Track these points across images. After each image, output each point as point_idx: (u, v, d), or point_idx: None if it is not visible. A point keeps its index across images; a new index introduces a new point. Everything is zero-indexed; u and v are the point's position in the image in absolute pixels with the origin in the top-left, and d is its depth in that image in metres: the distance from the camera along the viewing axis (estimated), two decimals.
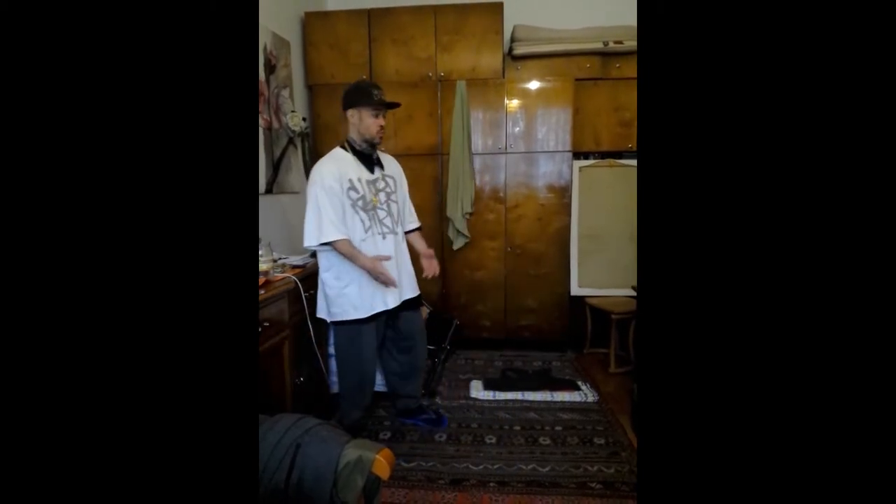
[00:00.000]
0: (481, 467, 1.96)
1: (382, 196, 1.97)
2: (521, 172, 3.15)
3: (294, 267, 2.10)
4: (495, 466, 1.96)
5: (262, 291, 1.71)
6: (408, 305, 2.09)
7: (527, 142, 3.13)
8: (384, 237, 1.96)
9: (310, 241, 1.86)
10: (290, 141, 2.90)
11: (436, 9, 3.05)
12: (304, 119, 2.97)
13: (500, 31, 3.05)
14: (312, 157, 3.15)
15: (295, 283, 1.93)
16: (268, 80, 2.65)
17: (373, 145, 1.96)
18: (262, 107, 2.59)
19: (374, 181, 1.97)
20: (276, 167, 2.73)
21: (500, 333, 3.26)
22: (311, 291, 2.13)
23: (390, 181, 2.01)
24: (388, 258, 1.95)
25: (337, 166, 1.90)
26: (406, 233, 2.13)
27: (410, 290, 2.10)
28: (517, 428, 2.27)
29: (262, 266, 1.88)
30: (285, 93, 2.86)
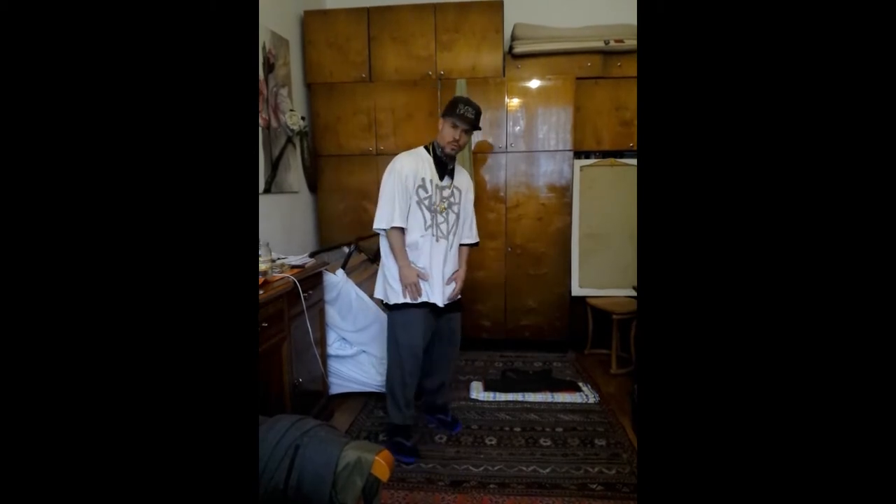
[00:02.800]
0: (481, 469, 1.94)
1: (446, 204, 2.03)
2: (522, 172, 3.14)
3: (293, 267, 2.08)
4: (495, 468, 1.95)
5: (260, 292, 1.70)
6: (449, 308, 2.13)
7: (527, 141, 3.11)
8: (438, 240, 2.02)
9: (379, 223, 1.96)
10: (289, 140, 2.88)
11: (436, 7, 3.04)
12: (303, 118, 2.96)
13: (501, 30, 3.04)
14: (311, 156, 3.14)
15: (294, 284, 1.92)
16: (266, 79, 2.64)
17: (448, 155, 2.00)
18: (260, 105, 2.58)
19: (443, 188, 2.02)
20: (274, 166, 2.71)
21: (500, 334, 3.25)
22: (310, 291, 2.12)
23: (456, 192, 2.07)
24: (425, 276, 2.01)
25: (415, 162, 1.99)
26: (462, 245, 2.17)
27: (444, 299, 2.10)
28: (517, 429, 2.26)
29: (261, 266, 1.86)
30: (284, 91, 2.84)
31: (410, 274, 1.97)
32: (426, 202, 1.98)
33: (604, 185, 3.26)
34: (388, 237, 1.98)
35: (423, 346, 2.07)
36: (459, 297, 2.19)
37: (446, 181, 2.04)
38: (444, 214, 2.03)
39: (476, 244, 2.25)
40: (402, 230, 1.96)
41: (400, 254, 1.97)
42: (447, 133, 1.96)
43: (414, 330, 2.03)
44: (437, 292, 2.04)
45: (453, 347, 2.24)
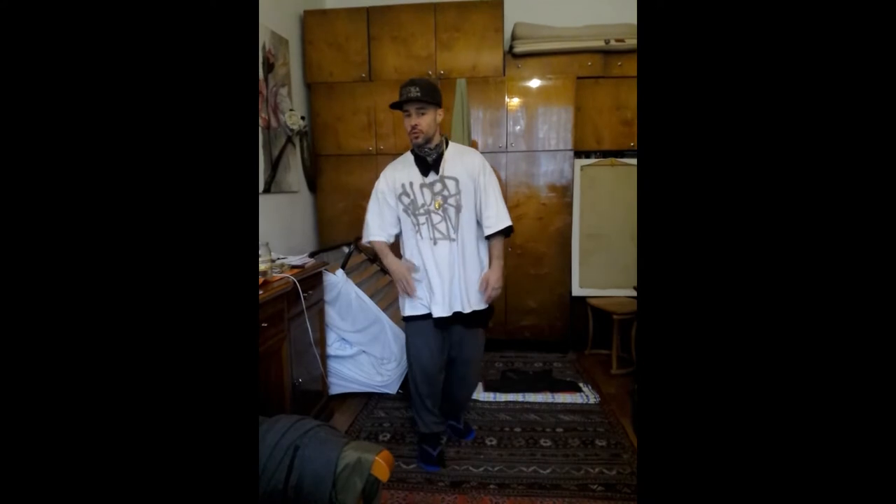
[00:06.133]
0: (482, 469, 1.94)
1: (440, 199, 1.84)
2: (522, 171, 3.13)
3: (293, 267, 2.07)
4: (496, 468, 1.94)
5: (260, 292, 1.69)
6: (457, 320, 1.90)
7: (527, 140, 3.11)
8: (435, 243, 1.85)
9: (364, 238, 1.98)
10: (289, 140, 2.88)
11: (436, 6, 3.04)
12: (302, 118, 2.95)
13: (501, 29, 3.03)
14: (311, 156, 3.14)
15: (293, 284, 1.91)
16: (266, 79, 2.64)
17: (420, 145, 1.83)
18: (260, 105, 2.57)
19: (431, 184, 1.85)
20: (274, 166, 2.71)
21: (500, 334, 3.24)
22: (310, 291, 2.11)
23: (450, 183, 1.84)
24: (414, 267, 1.90)
25: (394, 170, 1.92)
26: (487, 237, 1.92)
27: (459, 304, 1.88)
28: (518, 430, 2.25)
29: (261, 266, 1.86)
30: (284, 91, 2.84)
31: (399, 269, 1.90)
32: (410, 208, 1.87)
33: (604, 185, 3.25)
34: (374, 246, 1.98)
35: (436, 360, 1.93)
36: (486, 307, 1.94)
37: (432, 176, 1.85)
38: (441, 212, 1.85)
39: (504, 231, 1.91)
40: (382, 242, 1.94)
41: (385, 257, 1.94)
42: (406, 125, 1.82)
43: (419, 342, 1.91)
44: (444, 300, 1.86)
45: (471, 366, 2.03)
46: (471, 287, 1.90)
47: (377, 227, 1.93)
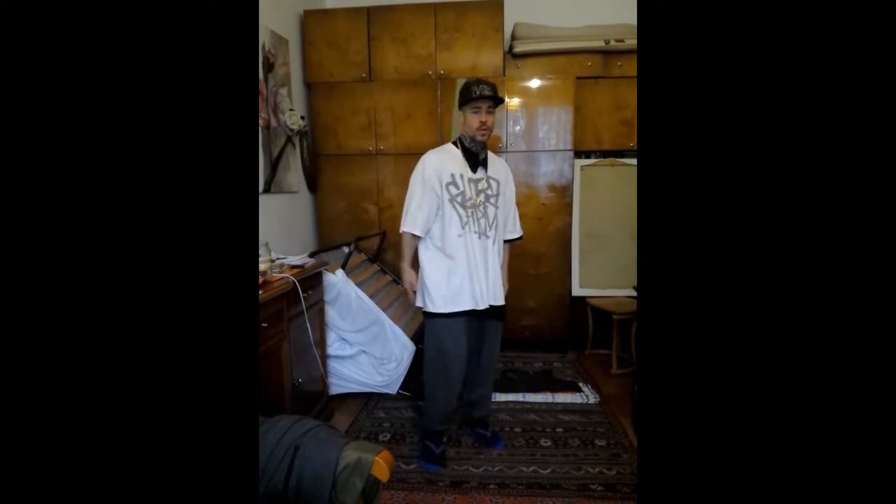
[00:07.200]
0: (482, 469, 1.94)
1: (482, 197, 1.92)
2: (522, 171, 3.13)
3: (292, 267, 2.07)
4: (496, 468, 1.94)
5: (260, 292, 1.69)
6: (492, 313, 1.99)
7: (527, 140, 3.11)
8: (479, 237, 1.91)
9: (403, 226, 1.92)
10: (289, 140, 2.88)
11: (436, 6, 3.04)
12: (302, 118, 2.95)
13: (501, 29, 3.03)
14: (311, 155, 3.14)
15: (293, 284, 1.91)
16: (266, 79, 2.64)
17: (480, 143, 1.90)
18: (260, 105, 2.57)
19: (477, 181, 1.91)
20: (274, 166, 2.71)
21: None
22: (310, 291, 2.11)
23: (493, 183, 1.94)
24: (416, 286, 1.96)
25: (441, 159, 1.91)
26: (505, 241, 2.05)
27: (495, 297, 1.97)
28: (518, 430, 2.26)
29: (261, 266, 1.85)
30: (283, 91, 2.84)
31: (410, 278, 1.96)
32: (458, 199, 1.87)
33: (604, 185, 3.25)
34: (402, 237, 1.93)
35: (465, 359, 1.98)
36: (503, 304, 2.01)
37: (480, 173, 1.92)
38: (482, 209, 1.90)
39: (520, 238, 2.12)
40: (415, 237, 1.91)
41: (407, 256, 1.94)
42: (472, 120, 1.86)
43: (451, 341, 1.92)
44: (482, 294, 1.91)
45: (493, 358, 2.10)
46: (494, 283, 1.97)
47: (422, 220, 1.88)
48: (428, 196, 1.87)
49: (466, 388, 2.12)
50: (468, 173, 1.90)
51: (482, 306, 1.92)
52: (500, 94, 1.87)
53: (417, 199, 1.88)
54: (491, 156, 1.99)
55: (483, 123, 1.85)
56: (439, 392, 1.98)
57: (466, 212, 1.88)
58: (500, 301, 1.98)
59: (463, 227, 1.89)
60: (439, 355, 1.94)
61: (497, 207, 1.94)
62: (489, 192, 1.92)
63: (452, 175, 1.88)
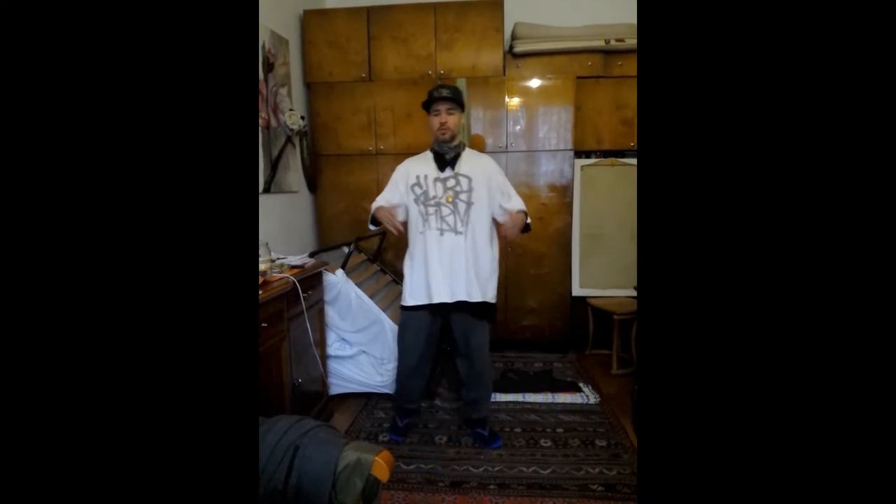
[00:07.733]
0: (482, 469, 1.94)
1: (451, 194, 2.00)
2: (522, 171, 3.13)
3: (292, 267, 2.07)
4: (496, 469, 1.94)
5: (260, 292, 1.69)
6: (462, 308, 2.01)
7: (528, 140, 3.11)
8: (442, 234, 1.99)
9: (372, 209, 2.09)
10: (289, 140, 2.88)
11: (436, 6, 3.04)
12: (302, 117, 2.95)
13: (501, 29, 3.03)
14: (311, 155, 3.14)
15: (293, 284, 1.91)
16: (266, 79, 2.63)
17: (446, 143, 2.00)
18: (260, 105, 2.57)
19: (445, 179, 2.00)
20: (274, 166, 2.71)
21: (500, 334, 3.23)
22: (310, 291, 2.11)
23: (463, 180, 2.00)
24: (397, 214, 2.02)
25: (411, 163, 2.09)
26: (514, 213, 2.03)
27: (465, 293, 1.99)
28: (518, 430, 2.25)
29: (261, 266, 1.85)
30: (283, 91, 2.84)
31: (383, 211, 2.00)
32: (422, 198, 2.01)
33: (605, 185, 3.25)
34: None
35: (422, 350, 2.10)
36: (490, 301, 2.03)
37: (447, 172, 2.01)
38: (451, 206, 1.99)
39: (526, 214, 2.04)
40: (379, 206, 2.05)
41: (377, 210, 2.04)
42: (433, 122, 2.01)
43: (408, 332, 2.09)
44: (438, 289, 1.98)
45: (483, 358, 2.08)
46: (480, 278, 2.02)
47: (381, 199, 2.09)
48: (391, 189, 2.08)
49: (464, 388, 2.19)
50: (435, 173, 2.01)
51: (436, 300, 2.00)
52: (460, 96, 2.01)
53: (384, 191, 2.12)
54: (468, 154, 2.07)
55: (443, 124, 1.97)
56: (398, 374, 2.20)
57: (429, 209, 1.99)
58: (476, 298, 2.00)
59: (424, 225, 2.01)
60: (399, 343, 2.15)
61: (471, 203, 1.99)
62: (458, 188, 2.00)
63: (417, 177, 2.02)
